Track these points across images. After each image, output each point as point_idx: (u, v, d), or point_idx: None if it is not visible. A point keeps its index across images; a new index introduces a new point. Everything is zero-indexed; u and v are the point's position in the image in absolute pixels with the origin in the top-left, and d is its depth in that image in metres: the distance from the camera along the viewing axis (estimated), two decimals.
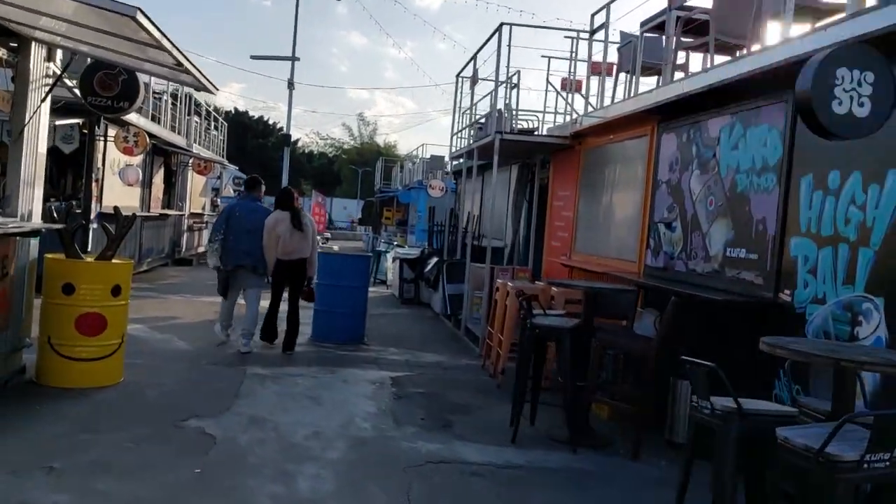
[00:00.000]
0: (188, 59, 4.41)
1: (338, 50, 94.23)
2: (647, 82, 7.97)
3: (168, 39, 4.02)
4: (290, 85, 22.60)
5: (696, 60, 7.86)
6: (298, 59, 22.58)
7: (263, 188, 8.20)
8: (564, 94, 9.99)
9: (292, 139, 27.10)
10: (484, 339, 8.27)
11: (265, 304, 7.94)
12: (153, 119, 13.92)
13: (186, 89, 16.73)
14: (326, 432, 5.13)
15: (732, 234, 5.45)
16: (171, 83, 15.11)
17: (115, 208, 5.97)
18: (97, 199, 10.83)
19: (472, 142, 11.02)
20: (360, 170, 49.76)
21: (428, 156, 23.96)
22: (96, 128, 10.46)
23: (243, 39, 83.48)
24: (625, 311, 6.00)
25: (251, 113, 58.37)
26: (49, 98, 5.62)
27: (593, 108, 8.89)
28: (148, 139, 11.11)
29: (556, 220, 9.36)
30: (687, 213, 6.08)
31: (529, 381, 5.57)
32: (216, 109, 23.75)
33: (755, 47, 6.41)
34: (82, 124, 10.30)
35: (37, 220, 5.67)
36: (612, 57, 8.69)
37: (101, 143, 10.86)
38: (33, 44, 5.26)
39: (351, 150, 55.35)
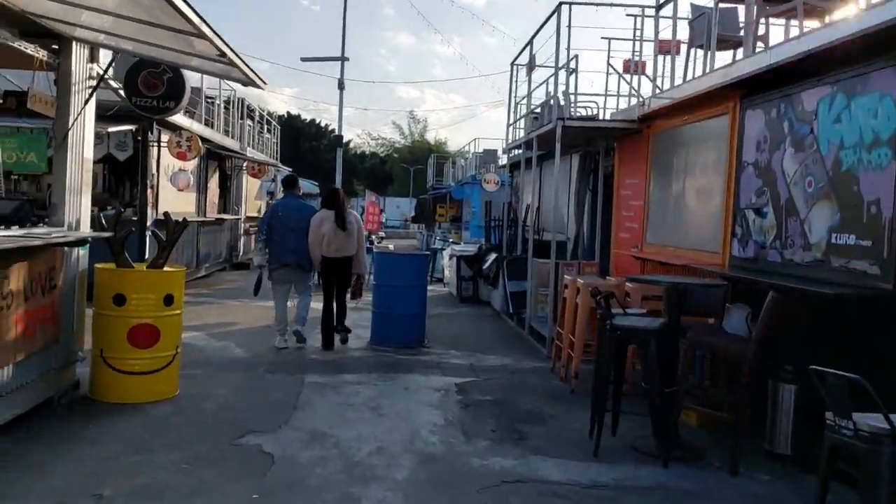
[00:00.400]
0: (231, 48, 4.06)
1: (386, 50, 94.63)
2: (722, 58, 7.33)
3: (208, 25, 3.66)
4: (341, 85, 22.50)
5: (775, 32, 7.22)
6: (348, 59, 22.40)
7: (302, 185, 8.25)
8: (627, 76, 9.38)
9: (344, 140, 27.00)
10: (552, 339, 7.76)
11: (317, 305, 7.83)
12: (206, 123, 13.84)
13: (239, 93, 16.72)
14: (391, 448, 4.72)
15: (838, 219, 4.80)
16: (222, 88, 15.04)
17: (165, 214, 5.71)
18: (153, 205, 10.71)
19: (528, 132, 10.50)
20: (411, 168, 49.62)
21: (481, 150, 23.44)
22: (149, 133, 10.29)
23: (294, 44, 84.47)
24: (713, 308, 5.40)
25: (303, 116, 59.05)
26: (93, 101, 5.35)
27: (659, 89, 8.28)
28: (201, 143, 10.95)
29: (623, 210, 8.76)
30: (780, 197, 5.44)
31: (609, 387, 5.04)
32: (269, 114, 23.76)
33: (854, 7, 5.72)
34: (135, 131, 10.18)
35: (85, 229, 5.43)
36: (680, 34, 8.07)
37: (155, 149, 10.74)
38: (74, 44, 4.99)
39: (403, 148, 55.28)
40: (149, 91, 5.13)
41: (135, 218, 10.37)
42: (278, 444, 4.66)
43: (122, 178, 12.89)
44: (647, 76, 8.62)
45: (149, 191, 10.51)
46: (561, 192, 11.05)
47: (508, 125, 11.30)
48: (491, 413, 5.64)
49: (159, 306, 5.45)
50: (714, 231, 6.43)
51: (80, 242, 4.92)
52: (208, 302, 11.00)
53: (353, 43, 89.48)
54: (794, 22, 6.98)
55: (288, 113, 57.18)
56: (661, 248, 7.47)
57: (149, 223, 10.34)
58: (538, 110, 10.86)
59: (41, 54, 4.66)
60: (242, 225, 17.35)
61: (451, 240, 17.54)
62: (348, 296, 7.97)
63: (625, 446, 4.95)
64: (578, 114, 10.16)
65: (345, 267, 7.64)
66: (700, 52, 7.89)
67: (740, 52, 7.50)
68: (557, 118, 8.10)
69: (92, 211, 5.58)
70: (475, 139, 24.15)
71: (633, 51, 8.95)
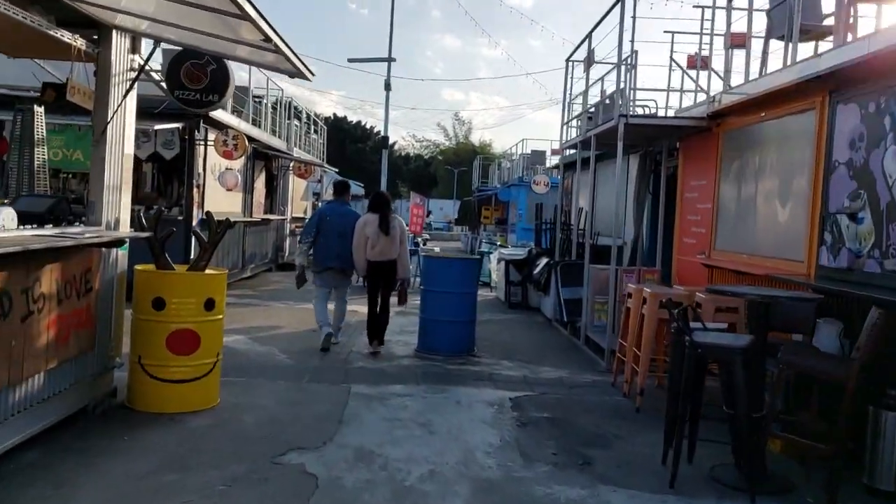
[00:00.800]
0: (276, 32, 3.68)
1: (432, 53, 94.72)
2: (802, 50, 6.72)
3: (252, 5, 3.29)
4: (387, 86, 22.35)
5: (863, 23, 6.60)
6: (394, 60, 22.26)
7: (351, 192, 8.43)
8: (693, 72, 8.80)
9: (389, 142, 26.78)
10: (612, 351, 7.25)
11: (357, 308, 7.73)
12: (254, 123, 13.65)
13: (287, 94, 16.58)
14: (444, 471, 4.28)
15: None
16: (270, 88, 14.85)
17: (208, 213, 5.39)
18: (199, 205, 10.52)
19: (585, 131, 9.97)
20: (455, 170, 49.25)
21: (528, 151, 22.90)
22: (196, 132, 10.14)
23: (342, 47, 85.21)
24: (802, 324, 4.83)
25: (350, 118, 59.25)
26: (135, 94, 5.06)
27: (728, 85, 7.69)
28: (247, 142, 10.72)
29: (688, 213, 8.17)
30: (880, 201, 4.83)
31: (686, 409, 4.51)
32: (316, 115, 23.64)
33: None
34: (182, 129, 9.99)
35: (125, 229, 5.13)
36: (744, 26, 7.49)
37: (202, 148, 10.55)
38: (115, 32, 4.70)
39: (447, 150, 54.98)
40: (192, 83, 4.80)
41: (181, 217, 10.22)
42: (323, 463, 4.27)
43: (171, 177, 12.76)
44: (715, 71, 8.02)
45: (195, 190, 10.36)
46: (617, 195, 10.50)
47: (563, 124, 10.78)
48: (550, 433, 5.16)
49: (200, 311, 5.12)
50: (796, 237, 5.83)
51: (117, 243, 4.61)
52: (253, 304, 10.76)
53: (399, 45, 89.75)
54: (885, 7, 6.37)
55: (334, 115, 57.48)
56: (732, 256, 6.88)
57: (195, 223, 10.17)
58: (592, 110, 10.36)
59: (79, 43, 4.36)
60: (288, 225, 17.17)
61: (497, 243, 17.04)
62: (394, 300, 7.85)
63: (703, 476, 4.42)
64: (636, 112, 9.61)
65: (388, 270, 7.62)
66: (775, 45, 7.33)
67: (823, 44, 6.91)
68: (620, 115, 7.56)
69: (136, 210, 5.30)
70: (523, 140, 23.63)
71: (701, 44, 8.39)
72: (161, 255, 5.20)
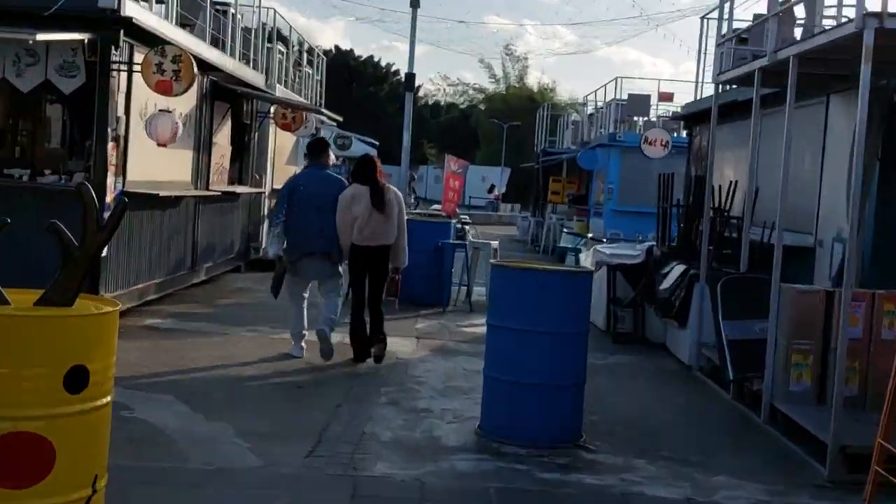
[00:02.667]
0: None
1: None
2: None
3: None
4: (414, 2, 21.22)
5: None
6: None
7: (332, 154, 8.96)
8: None
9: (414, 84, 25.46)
10: (841, 448, 5.36)
11: None
12: (214, 43, 12.04)
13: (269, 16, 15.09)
14: None
15: None
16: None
17: (79, 186, 3.65)
18: (117, 169, 8.89)
19: (728, 61, 8.17)
20: (504, 125, 47.73)
21: (623, 96, 21.08)
22: (113, 50, 8.48)
23: None
24: None
25: (357, 52, 58.11)
26: None
27: None
28: (196, 68, 9.04)
29: None
30: None
31: None
32: (312, 46, 22.19)
33: None
34: (89, 44, 8.34)
35: None
36: None
37: (123, 77, 8.90)
38: None
39: (494, 96, 53.64)
40: None
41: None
42: None
43: (89, 125, 11.31)
44: None
45: (110, 145, 8.81)
46: (808, 160, 8.73)
47: (717, 45, 8.96)
48: None
49: (55, 394, 3.36)
50: None
51: None
52: (202, 332, 9.28)
53: None
54: None
55: (336, 47, 56.24)
56: None
57: (110, 197, 8.73)
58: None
59: None
60: (267, 202, 15.81)
61: (588, 235, 15.16)
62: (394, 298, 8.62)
63: None
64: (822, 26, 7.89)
65: (380, 258, 7.87)
66: None
67: None
68: (866, 14, 5.64)
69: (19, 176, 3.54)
70: (616, 78, 21.63)
71: None
72: None
